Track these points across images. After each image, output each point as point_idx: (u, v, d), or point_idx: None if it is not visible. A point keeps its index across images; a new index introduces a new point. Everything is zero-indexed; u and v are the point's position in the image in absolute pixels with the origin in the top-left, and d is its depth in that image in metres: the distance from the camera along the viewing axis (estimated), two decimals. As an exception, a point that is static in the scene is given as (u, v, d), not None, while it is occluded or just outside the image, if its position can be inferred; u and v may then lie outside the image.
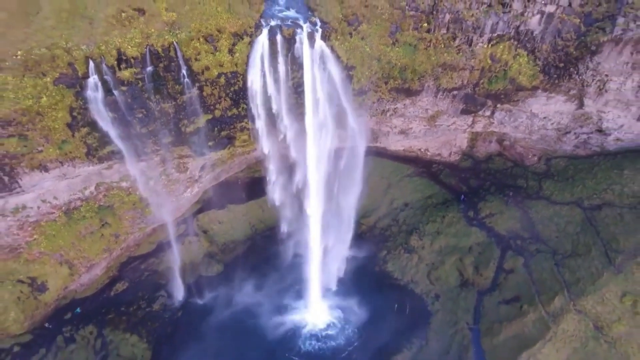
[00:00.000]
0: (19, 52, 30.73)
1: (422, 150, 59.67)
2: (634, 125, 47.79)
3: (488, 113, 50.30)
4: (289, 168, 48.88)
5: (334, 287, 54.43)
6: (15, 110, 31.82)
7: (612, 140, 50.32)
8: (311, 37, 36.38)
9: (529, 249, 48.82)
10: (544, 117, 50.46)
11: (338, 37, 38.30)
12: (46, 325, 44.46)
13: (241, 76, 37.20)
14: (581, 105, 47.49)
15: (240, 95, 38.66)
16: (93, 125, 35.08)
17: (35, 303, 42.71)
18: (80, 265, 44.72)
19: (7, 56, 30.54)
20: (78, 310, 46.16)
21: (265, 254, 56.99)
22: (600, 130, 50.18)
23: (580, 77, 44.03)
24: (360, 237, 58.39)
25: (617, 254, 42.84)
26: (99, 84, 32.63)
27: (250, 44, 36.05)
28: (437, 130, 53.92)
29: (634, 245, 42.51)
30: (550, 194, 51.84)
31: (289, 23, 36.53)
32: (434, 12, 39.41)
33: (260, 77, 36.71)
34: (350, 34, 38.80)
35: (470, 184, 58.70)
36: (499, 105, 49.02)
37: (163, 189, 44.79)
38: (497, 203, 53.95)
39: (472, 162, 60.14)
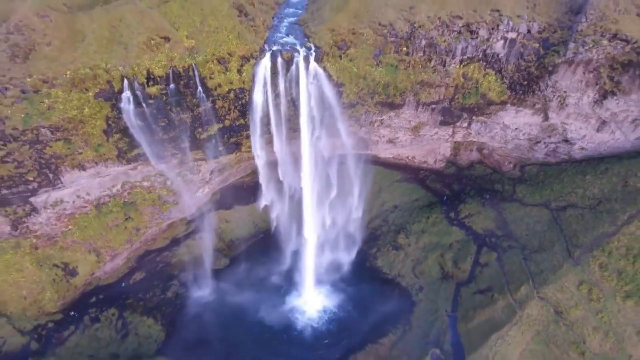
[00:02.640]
0: (68, 72, 38.09)
1: (409, 157, 66.06)
2: (594, 136, 53.83)
3: (465, 124, 56.62)
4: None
5: (329, 279, 60.35)
6: (63, 119, 39.07)
7: (577, 149, 56.29)
8: (306, 60, 43.33)
9: (502, 245, 54.51)
10: (516, 128, 56.68)
11: (329, 59, 45.23)
12: (71, 313, 50.66)
13: (247, 92, 44.19)
14: (546, 117, 53.72)
15: (246, 107, 45.56)
16: (124, 131, 42.18)
17: (67, 286, 49.33)
18: (106, 253, 51.33)
19: (58, 75, 37.93)
20: (123, 284, 54.25)
21: (267, 250, 63.04)
22: (566, 140, 56.27)
23: (542, 93, 50.43)
24: (353, 236, 64.47)
25: (576, 248, 48.42)
26: (131, 98, 39.71)
27: (255, 65, 43.05)
28: (421, 140, 60.26)
29: (591, 240, 48.09)
30: (523, 197, 57.75)
31: (288, 48, 43.62)
32: (412, 38, 46.25)
33: (263, 93, 43.61)
34: (340, 56, 45.70)
35: (453, 188, 64.80)
36: (474, 118, 55.37)
37: (179, 188, 51.43)
38: (475, 205, 59.94)
39: (456, 168, 66.35)
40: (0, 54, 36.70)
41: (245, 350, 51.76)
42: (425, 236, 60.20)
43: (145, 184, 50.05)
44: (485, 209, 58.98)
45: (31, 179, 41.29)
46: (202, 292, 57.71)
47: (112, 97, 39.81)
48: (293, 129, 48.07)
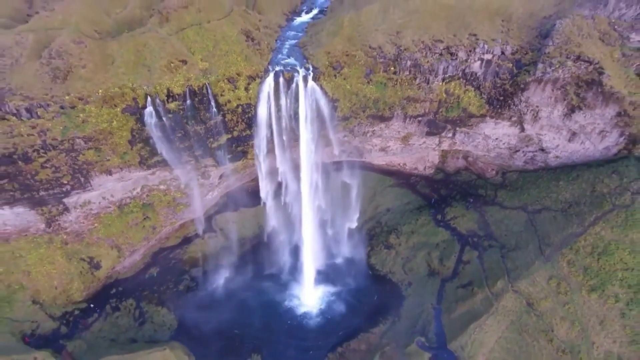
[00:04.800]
0: (100, 91, 44.38)
1: (401, 164, 71.83)
2: (567, 145, 59.21)
3: (450, 135, 62.37)
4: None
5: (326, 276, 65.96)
6: (95, 131, 45.35)
7: (552, 158, 61.70)
8: (305, 79, 49.42)
9: (483, 245, 59.90)
10: (496, 138, 62.32)
11: (326, 78, 51.29)
12: (91, 305, 56.34)
13: (253, 107, 50.29)
14: (522, 129, 59.34)
15: (252, 120, 51.63)
16: (146, 141, 48.37)
17: (92, 278, 55.35)
18: (126, 249, 57.36)
19: (92, 93, 44.25)
20: (155, 274, 60.94)
21: (270, 248, 68.74)
22: (542, 150, 61.75)
23: (517, 107, 56.14)
24: (349, 236, 70.24)
25: (547, 246, 53.71)
26: (153, 112, 45.89)
27: (260, 83, 49.17)
28: (411, 148, 66.06)
29: (561, 240, 53.38)
30: (503, 201, 63.24)
31: (289, 68, 49.76)
32: (398, 59, 52.27)
33: (267, 108, 49.72)
34: (335, 75, 51.79)
35: (441, 193, 70.42)
36: (457, 129, 61.10)
37: (191, 191, 57.52)
38: (460, 208, 65.51)
39: (444, 175, 72.02)
40: (44, 75, 43.18)
41: (249, 339, 57.23)
42: (415, 236, 65.72)
43: (162, 187, 56.11)
44: (469, 212, 64.52)
45: (65, 182, 47.56)
46: (211, 286, 63.43)
47: (137, 112, 46.03)
48: (293, 139, 54.05)
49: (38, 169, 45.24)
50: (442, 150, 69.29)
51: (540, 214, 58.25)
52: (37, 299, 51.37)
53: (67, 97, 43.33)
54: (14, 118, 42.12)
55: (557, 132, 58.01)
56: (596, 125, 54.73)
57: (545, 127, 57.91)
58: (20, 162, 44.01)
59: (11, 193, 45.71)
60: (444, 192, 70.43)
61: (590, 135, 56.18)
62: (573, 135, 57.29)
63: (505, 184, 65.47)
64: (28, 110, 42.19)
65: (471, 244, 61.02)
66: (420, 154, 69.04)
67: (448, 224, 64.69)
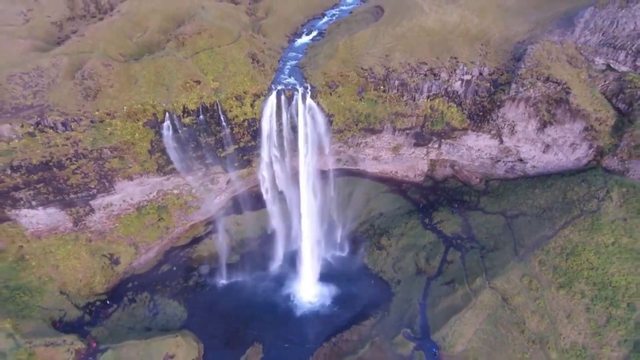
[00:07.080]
0: (125, 107, 50.96)
1: (393, 172, 77.85)
2: (542, 156, 65.07)
3: (436, 146, 68.49)
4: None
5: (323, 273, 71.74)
6: (119, 142, 51.88)
7: (530, 167, 67.55)
8: (304, 97, 55.82)
9: (465, 246, 65.64)
10: (478, 150, 68.33)
11: (322, 96, 57.71)
12: (107, 302, 62.33)
13: (258, 121, 56.73)
14: (501, 141, 65.35)
15: (257, 133, 58.05)
16: (163, 151, 54.82)
17: (112, 272, 61.65)
18: (142, 247, 63.67)
19: (118, 109, 50.85)
20: (175, 268, 67.24)
21: (272, 248, 74.72)
22: (521, 160, 67.68)
23: (495, 122, 62.22)
24: (345, 238, 76.18)
25: (522, 247, 59.39)
26: (170, 126, 52.39)
27: (264, 100, 55.58)
28: (401, 158, 72.20)
29: (534, 241, 59.04)
30: (485, 206, 69.06)
31: (289, 87, 56.21)
32: (387, 79, 58.62)
33: (269, 122, 56.13)
34: (331, 93, 58.19)
35: (429, 198, 76.30)
36: (443, 140, 67.22)
37: (201, 195, 63.89)
38: (445, 212, 71.36)
39: (433, 182, 77.94)
40: (77, 94, 49.90)
41: (251, 328, 62.96)
42: (404, 238, 71.51)
43: (175, 191, 62.53)
44: (454, 216, 70.38)
45: (93, 186, 54.08)
46: (217, 281, 69.41)
47: (156, 126, 52.56)
48: (293, 149, 60.36)
49: (70, 174, 51.77)
50: (431, 160, 75.28)
51: (517, 219, 64.00)
52: (64, 290, 57.60)
53: (96, 113, 49.91)
54: (51, 131, 48.75)
55: (532, 144, 63.89)
56: (567, 139, 60.56)
57: (522, 140, 63.84)
58: (55, 169, 50.58)
59: (46, 195, 52.25)
60: (432, 198, 76.31)
61: (562, 147, 62.02)
62: (547, 147, 63.15)
63: (488, 191, 71.31)
64: (63, 124, 48.82)
65: (455, 246, 66.76)
66: (411, 162, 75.08)
67: (435, 227, 70.52)
